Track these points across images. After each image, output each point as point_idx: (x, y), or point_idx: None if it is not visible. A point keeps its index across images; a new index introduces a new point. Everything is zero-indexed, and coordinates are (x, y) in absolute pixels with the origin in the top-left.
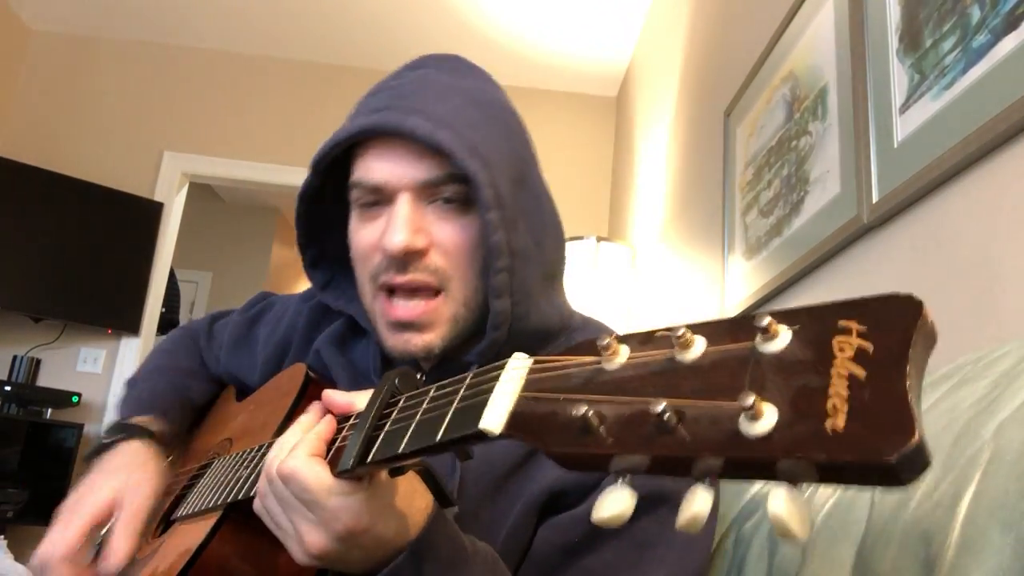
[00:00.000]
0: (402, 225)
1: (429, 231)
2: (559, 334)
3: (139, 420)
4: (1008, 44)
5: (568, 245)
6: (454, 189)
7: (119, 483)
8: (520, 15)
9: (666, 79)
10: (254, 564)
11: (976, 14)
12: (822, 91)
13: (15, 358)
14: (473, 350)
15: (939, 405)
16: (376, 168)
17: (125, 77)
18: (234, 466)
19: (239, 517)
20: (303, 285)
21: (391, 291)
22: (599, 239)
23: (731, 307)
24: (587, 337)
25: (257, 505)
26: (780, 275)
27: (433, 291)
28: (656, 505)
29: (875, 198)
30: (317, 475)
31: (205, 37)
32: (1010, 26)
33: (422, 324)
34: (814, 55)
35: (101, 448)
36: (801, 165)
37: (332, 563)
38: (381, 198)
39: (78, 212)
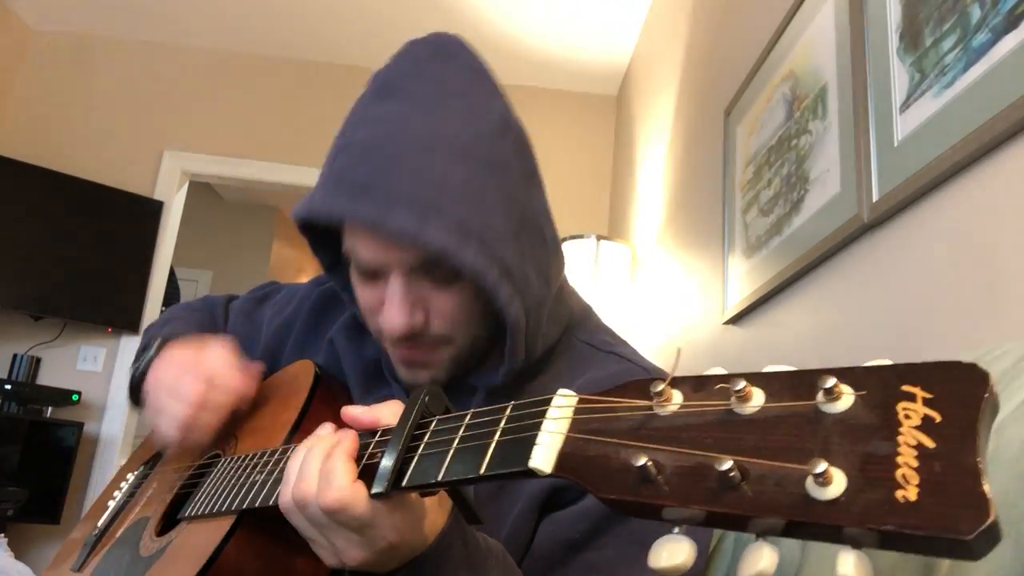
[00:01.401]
0: (399, 308)
1: (427, 302)
2: (562, 340)
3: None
4: (1008, 43)
5: (568, 244)
6: (448, 267)
7: (196, 347)
8: (520, 13)
9: (666, 78)
10: (269, 570)
11: (976, 13)
12: (822, 90)
13: (15, 356)
14: (484, 372)
15: None
16: (365, 250)
17: (125, 77)
18: (246, 469)
19: (253, 522)
20: None
21: None
22: (599, 238)
23: (731, 305)
24: (594, 338)
25: (288, 505)
26: (780, 274)
27: (435, 345)
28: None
29: (875, 197)
30: (366, 503)
31: (205, 37)
32: (1010, 25)
33: (426, 364)
34: (814, 54)
35: (147, 367)
36: (801, 164)
37: (365, 568)
38: (376, 272)
39: (78, 211)
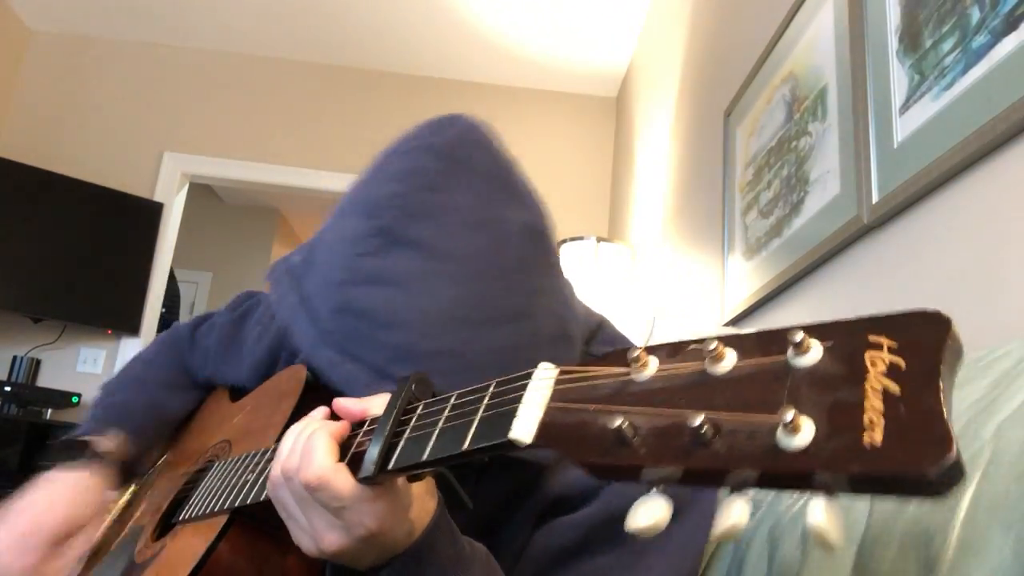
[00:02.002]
0: None
1: None
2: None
3: (104, 436)
4: (1008, 45)
5: (568, 245)
6: None
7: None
8: (520, 15)
9: (666, 79)
10: (262, 568)
11: (976, 15)
12: (822, 91)
13: (15, 358)
14: None
15: None
16: None
17: (125, 77)
18: (238, 469)
19: (246, 521)
20: None
21: None
22: (599, 239)
23: (731, 307)
24: (602, 350)
25: (276, 478)
26: (780, 275)
27: None
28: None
29: (875, 198)
30: (346, 482)
31: (205, 37)
32: (1010, 27)
33: None
34: (814, 55)
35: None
36: (801, 165)
37: (342, 559)
38: None
39: (78, 212)
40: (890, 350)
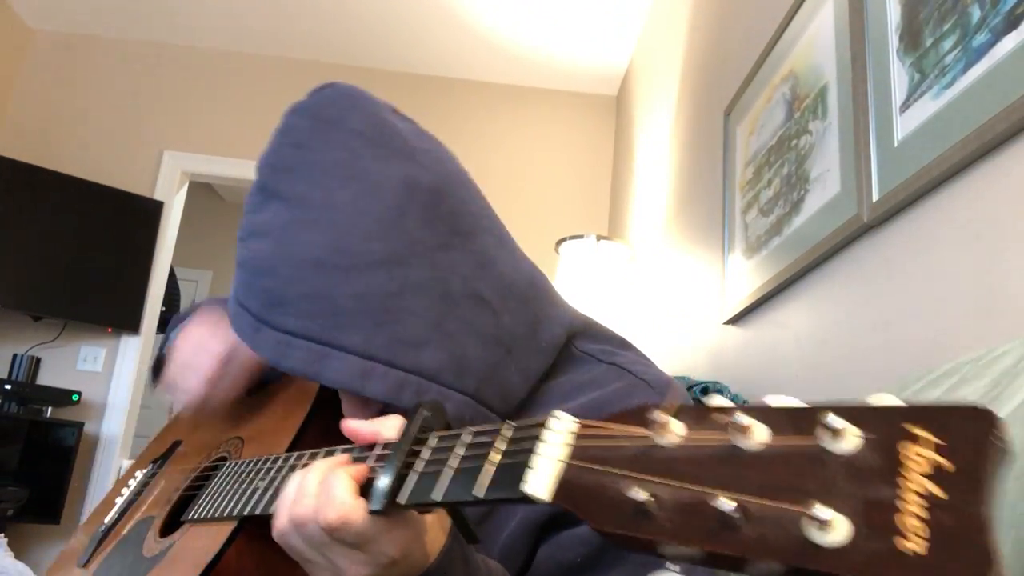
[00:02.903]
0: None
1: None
2: (562, 353)
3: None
4: (1008, 43)
5: (567, 244)
6: None
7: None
8: (520, 14)
9: (666, 78)
10: None
11: (976, 13)
12: (822, 90)
13: (15, 357)
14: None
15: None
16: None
17: (125, 76)
18: (249, 474)
19: (255, 529)
20: None
21: None
22: (599, 238)
23: (731, 306)
24: (590, 348)
25: (285, 527)
26: (780, 274)
27: None
28: None
29: (875, 197)
30: (364, 516)
31: (205, 37)
32: (1010, 25)
33: None
34: (814, 54)
35: (176, 327)
36: (801, 164)
37: None
38: None
39: (78, 211)
40: (936, 448)
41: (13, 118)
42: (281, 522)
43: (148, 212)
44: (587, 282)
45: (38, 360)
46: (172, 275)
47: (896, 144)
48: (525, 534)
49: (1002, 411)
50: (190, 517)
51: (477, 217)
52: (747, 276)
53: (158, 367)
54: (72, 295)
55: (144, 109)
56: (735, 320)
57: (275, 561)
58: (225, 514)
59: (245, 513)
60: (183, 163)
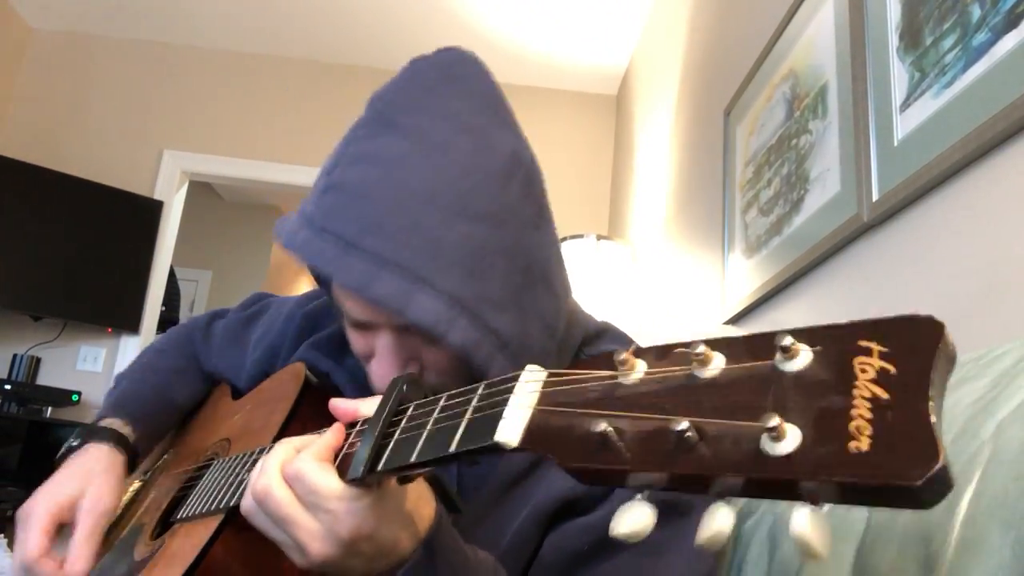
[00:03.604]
0: (389, 367)
1: (420, 355)
2: (572, 350)
3: (112, 423)
4: (1008, 42)
5: (567, 244)
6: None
7: (79, 486)
8: (521, 13)
9: (666, 77)
10: (257, 567)
11: (976, 12)
12: (822, 89)
13: (15, 357)
14: None
15: None
16: (352, 306)
17: (125, 75)
18: (235, 468)
19: (242, 520)
20: (303, 284)
21: None
22: (599, 237)
23: (731, 305)
24: (603, 349)
25: (250, 506)
26: (780, 273)
27: None
28: (667, 514)
29: (875, 196)
30: (326, 478)
31: (205, 36)
32: (1010, 24)
33: None
34: (814, 53)
35: (69, 450)
36: (801, 163)
37: (331, 570)
38: (365, 324)
39: (78, 211)
40: (880, 355)
41: (13, 117)
42: (247, 499)
43: (148, 212)
44: (587, 282)
45: (38, 360)
46: (172, 275)
47: (896, 143)
48: (534, 524)
49: (1002, 411)
50: (180, 517)
51: (550, 210)
52: (747, 276)
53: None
54: (72, 295)
55: (144, 108)
56: (735, 320)
57: (262, 549)
58: (212, 508)
59: (232, 504)
60: (183, 163)
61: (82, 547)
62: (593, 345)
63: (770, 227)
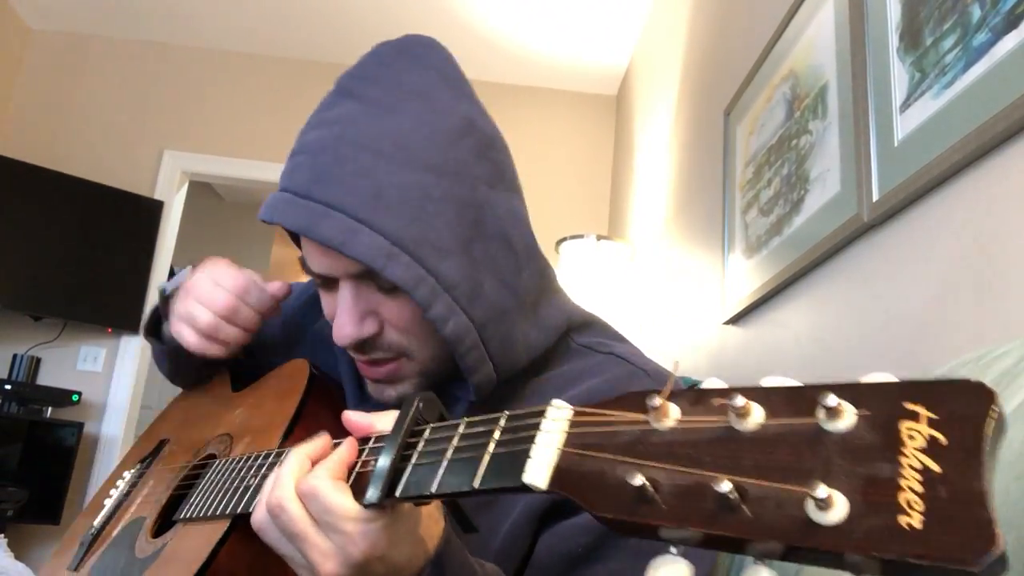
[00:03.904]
0: (347, 318)
1: (378, 311)
2: (559, 346)
3: None
4: (1009, 43)
5: (567, 244)
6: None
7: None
8: (520, 13)
9: (666, 77)
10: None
11: (976, 12)
12: (822, 89)
13: (15, 357)
14: (464, 385)
15: None
16: (310, 257)
17: (125, 76)
18: (240, 471)
19: (247, 528)
20: None
21: None
22: (599, 237)
23: (731, 306)
24: (592, 340)
25: (262, 519)
26: (780, 274)
27: (394, 358)
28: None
29: (875, 197)
30: (341, 498)
31: (205, 37)
32: (1010, 24)
33: (392, 380)
34: (814, 53)
35: (164, 297)
36: (801, 164)
37: None
38: (328, 280)
39: (78, 211)
40: (929, 422)
41: (13, 118)
42: (259, 512)
43: (148, 212)
44: (587, 282)
45: (38, 360)
46: (172, 275)
47: (896, 144)
48: (527, 523)
49: None
50: (182, 516)
51: (516, 182)
52: (747, 276)
53: (156, 317)
54: (72, 295)
55: (144, 109)
56: (735, 320)
57: (268, 560)
58: (217, 513)
59: (238, 511)
60: (183, 163)
61: (265, 287)
62: (581, 334)
63: (770, 227)
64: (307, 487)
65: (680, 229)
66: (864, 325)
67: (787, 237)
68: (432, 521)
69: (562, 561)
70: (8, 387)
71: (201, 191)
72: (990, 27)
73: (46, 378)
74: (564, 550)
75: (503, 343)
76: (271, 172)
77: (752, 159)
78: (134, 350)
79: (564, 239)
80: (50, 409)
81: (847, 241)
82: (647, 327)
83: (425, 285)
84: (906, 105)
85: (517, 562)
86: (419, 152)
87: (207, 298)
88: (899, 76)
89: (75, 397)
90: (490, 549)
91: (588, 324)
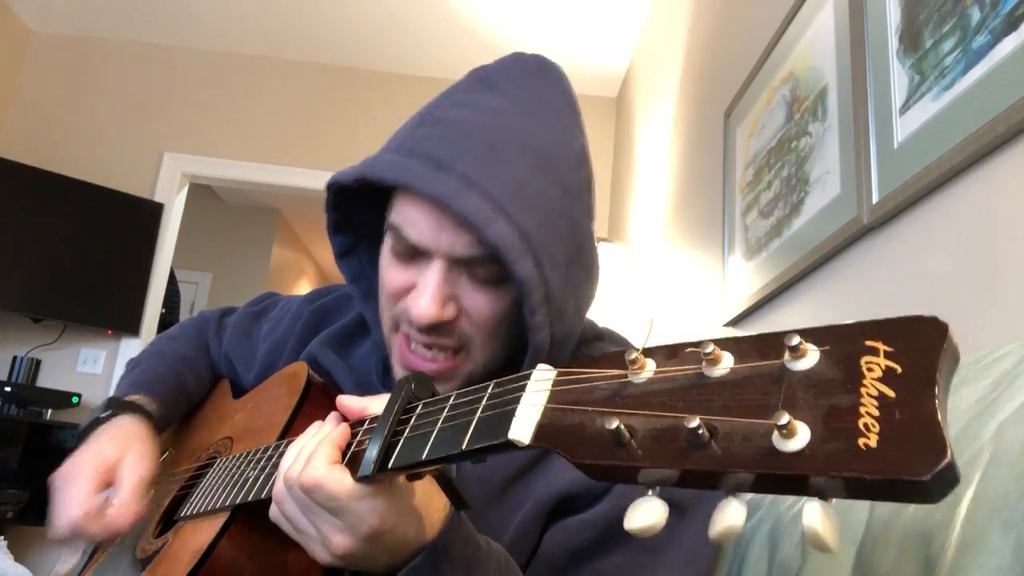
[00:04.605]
0: (433, 297)
1: (460, 299)
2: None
3: (136, 398)
4: (1008, 45)
5: None
6: (495, 270)
7: (119, 449)
8: (520, 15)
9: (666, 80)
10: (263, 564)
11: (976, 15)
12: (822, 92)
13: (15, 359)
14: None
15: None
16: (416, 225)
17: (125, 78)
18: (240, 466)
19: (248, 518)
20: (303, 286)
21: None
22: (599, 239)
23: (731, 308)
24: (588, 351)
25: (274, 512)
26: (780, 276)
27: (453, 350)
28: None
29: (875, 199)
30: (340, 482)
31: (205, 37)
32: (1010, 27)
33: (443, 377)
34: (814, 56)
35: (95, 422)
36: (801, 166)
37: (357, 563)
38: (416, 253)
39: (78, 213)
40: (886, 355)
41: (13, 120)
42: (278, 485)
43: (148, 214)
44: None
45: (38, 362)
46: (172, 277)
47: (896, 146)
48: (535, 518)
49: (1002, 412)
50: (183, 515)
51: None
52: (747, 278)
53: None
54: (72, 297)
55: (144, 111)
56: (735, 322)
57: (268, 548)
58: (218, 506)
59: (238, 502)
60: (183, 165)
61: (128, 500)
62: (591, 346)
63: (770, 229)
64: (308, 480)
65: (680, 231)
66: None
67: (787, 239)
68: (434, 493)
69: (568, 555)
70: (8, 389)
71: (201, 193)
72: (990, 29)
73: (46, 380)
74: (570, 544)
75: (554, 362)
76: (271, 174)
77: (752, 161)
78: (134, 352)
79: None
80: (50, 411)
81: (847, 243)
82: (647, 329)
83: (540, 290)
84: (906, 107)
85: (525, 557)
86: (555, 165)
87: (76, 486)
88: (899, 78)
89: (75, 399)
90: (501, 541)
91: (601, 336)
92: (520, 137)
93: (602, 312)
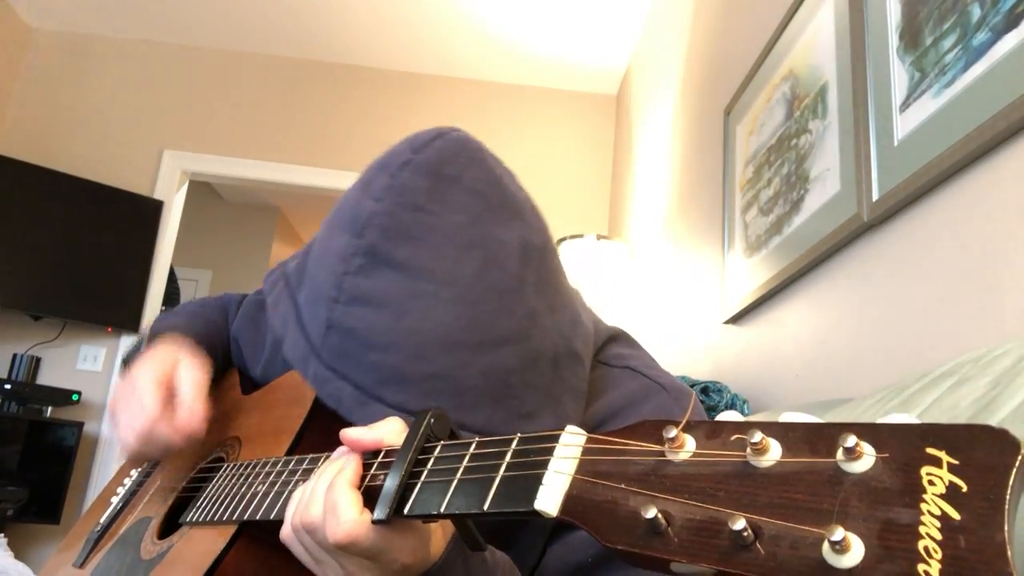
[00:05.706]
0: None
1: None
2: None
3: (170, 335)
4: (1009, 42)
5: (567, 243)
6: None
7: (171, 360)
8: (521, 13)
9: (666, 77)
10: None
11: (976, 12)
12: (822, 89)
13: (15, 356)
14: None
15: (939, 404)
16: None
17: (125, 76)
18: (248, 477)
19: (255, 533)
20: None
21: None
22: (598, 237)
23: (731, 305)
24: (615, 352)
25: (289, 539)
26: (780, 273)
27: None
28: None
29: (875, 196)
30: (370, 531)
31: (205, 36)
32: (1010, 24)
33: None
34: (814, 53)
35: (135, 351)
36: (801, 163)
37: None
38: None
39: (78, 210)
40: (950, 468)
41: (13, 117)
42: (286, 530)
43: (148, 211)
44: (587, 282)
45: (38, 360)
46: (172, 275)
47: (896, 143)
48: (539, 535)
49: (1002, 411)
50: (188, 519)
51: (565, 280)
52: (747, 275)
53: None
54: (72, 294)
55: (144, 108)
56: (735, 319)
57: (275, 566)
58: (224, 518)
59: (245, 518)
60: (183, 162)
61: (194, 401)
62: (606, 350)
63: (770, 227)
64: (344, 538)
65: (680, 229)
66: (864, 324)
67: (787, 236)
68: (444, 528)
69: (569, 571)
70: (8, 387)
71: (201, 190)
72: (990, 26)
73: (46, 378)
74: (573, 560)
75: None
76: (271, 171)
77: (752, 158)
78: None
79: (564, 239)
80: (50, 409)
81: (847, 240)
82: (647, 327)
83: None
84: (906, 105)
85: (528, 572)
86: (492, 327)
87: (141, 399)
88: (899, 76)
89: (75, 396)
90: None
91: (613, 338)
92: (440, 329)
93: (602, 311)
